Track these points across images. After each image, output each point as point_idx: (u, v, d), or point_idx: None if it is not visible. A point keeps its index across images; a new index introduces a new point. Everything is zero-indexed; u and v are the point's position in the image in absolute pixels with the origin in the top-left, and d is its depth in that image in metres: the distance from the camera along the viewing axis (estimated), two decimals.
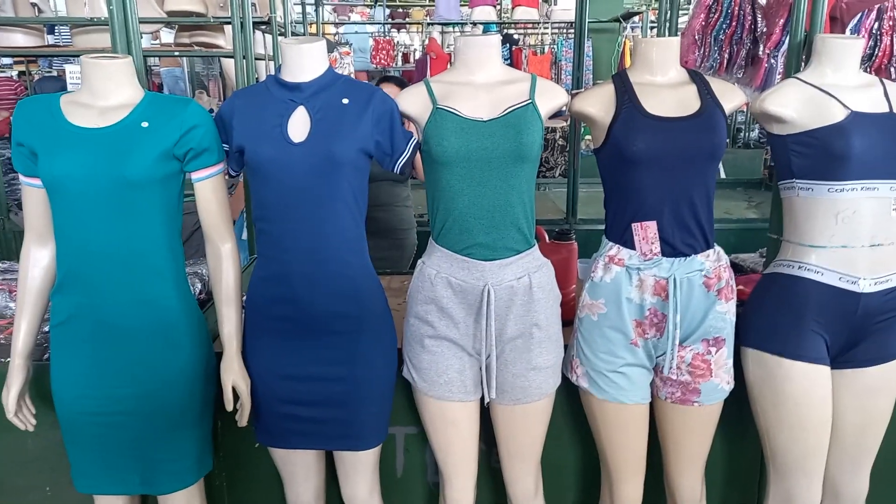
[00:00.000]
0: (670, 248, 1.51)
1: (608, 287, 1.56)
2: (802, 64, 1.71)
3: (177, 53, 3.89)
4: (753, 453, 1.86)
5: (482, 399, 1.60)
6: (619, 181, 1.54)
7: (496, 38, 1.55)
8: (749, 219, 3.72)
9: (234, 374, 1.53)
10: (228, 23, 3.21)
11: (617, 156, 1.51)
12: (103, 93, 1.43)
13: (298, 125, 1.46)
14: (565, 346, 1.66)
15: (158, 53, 4.66)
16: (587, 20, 3.58)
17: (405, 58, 9.17)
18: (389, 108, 1.52)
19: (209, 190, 1.50)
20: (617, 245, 1.56)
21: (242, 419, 1.55)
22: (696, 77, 1.57)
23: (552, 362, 1.59)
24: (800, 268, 1.55)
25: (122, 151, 1.38)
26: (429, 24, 8.54)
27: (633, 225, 1.52)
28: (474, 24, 7.44)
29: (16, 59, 7.37)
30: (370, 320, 1.56)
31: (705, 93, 1.53)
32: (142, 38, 3.79)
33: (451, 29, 8.52)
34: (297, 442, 1.60)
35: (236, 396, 1.54)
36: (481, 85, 1.53)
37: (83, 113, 1.41)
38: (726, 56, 2.44)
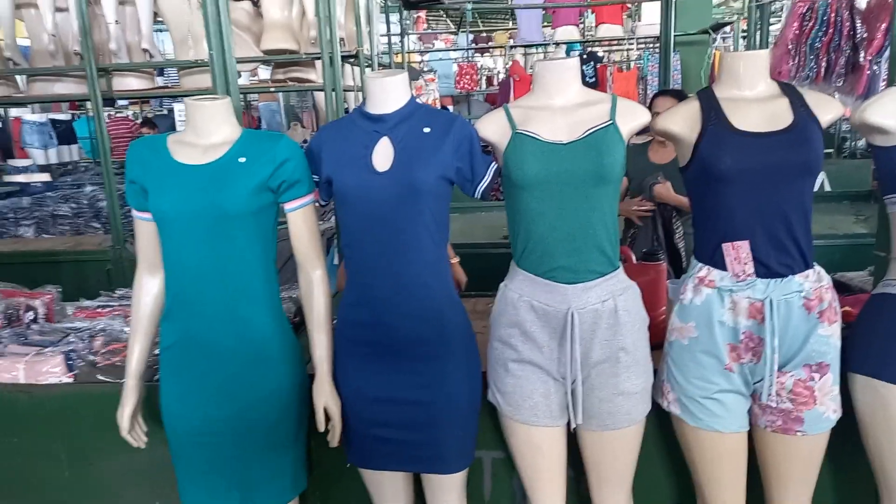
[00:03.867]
0: (765, 269, 1.45)
1: (699, 310, 1.50)
2: None
3: (273, 89, 4.11)
4: (866, 486, 1.72)
5: (569, 424, 1.58)
6: (707, 200, 1.49)
7: (574, 62, 1.55)
8: (856, 234, 3.48)
9: (325, 396, 1.58)
10: (319, 58, 3.36)
11: (704, 174, 1.46)
12: (205, 132, 1.53)
13: (383, 155, 1.51)
14: (655, 371, 1.62)
15: (256, 90, 4.93)
16: (673, 33, 3.51)
17: (489, 81, 9.28)
18: (469, 135, 1.54)
19: (301, 219, 1.58)
20: (707, 266, 1.51)
21: (334, 439, 1.60)
22: (788, 90, 1.50)
23: (641, 387, 1.54)
24: None
25: (222, 186, 1.47)
26: (511, 46, 8.61)
27: (723, 245, 1.46)
28: (557, 44, 7.44)
29: (131, 100, 8.03)
30: (452, 344, 1.57)
31: (798, 105, 1.46)
32: (240, 76, 4.04)
33: (534, 50, 8.55)
34: (385, 463, 1.63)
35: (328, 418, 1.59)
36: (560, 108, 1.53)
37: (188, 151, 1.53)
38: (824, 65, 2.33)
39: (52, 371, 1.86)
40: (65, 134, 7.81)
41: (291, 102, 7.95)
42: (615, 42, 7.82)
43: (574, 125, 1.49)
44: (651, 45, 7.40)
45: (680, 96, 2.91)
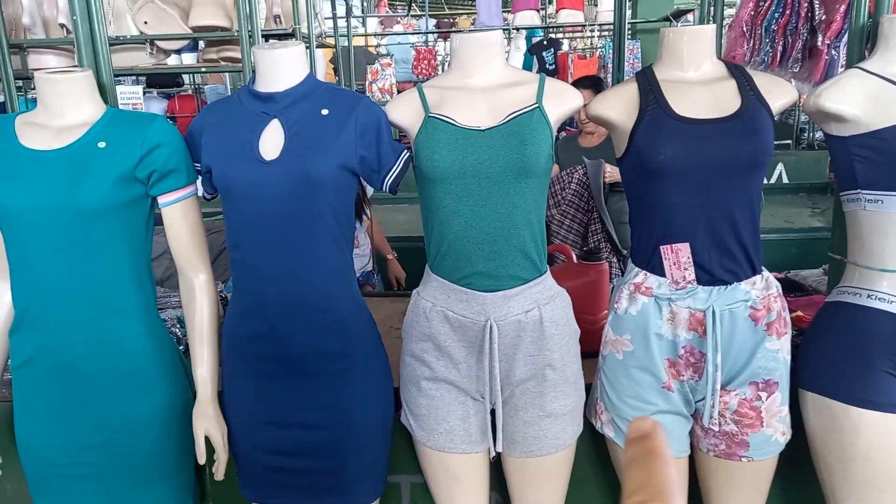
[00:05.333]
0: (707, 275, 1.27)
1: (634, 321, 1.33)
2: (866, 53, 1.45)
3: (203, 70, 3.82)
4: None
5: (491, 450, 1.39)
6: (644, 196, 1.31)
7: (497, 35, 1.34)
8: (813, 227, 3.38)
9: (207, 421, 1.37)
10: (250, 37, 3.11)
11: (641, 167, 1.28)
12: (58, 111, 1.29)
13: (271, 141, 1.29)
14: (588, 386, 1.44)
15: (176, 71, 4.59)
16: (631, 21, 3.34)
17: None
18: (376, 118, 1.33)
19: (178, 215, 1.35)
20: (643, 271, 1.33)
21: (218, 472, 1.38)
22: (736, 71, 1.32)
23: (570, 408, 1.36)
24: (869, 296, 1.28)
25: (75, 176, 1.24)
26: (471, 31, 8.38)
27: (661, 248, 1.28)
28: (517, 29, 7.24)
29: None
30: (359, 358, 1.37)
31: (747, 89, 1.28)
32: (169, 54, 3.75)
33: None
34: (283, 497, 1.42)
35: (212, 446, 1.38)
36: (480, 89, 1.32)
37: (38, 134, 1.28)
38: (780, 49, 2.16)
39: None
40: None
41: (239, 85, 7.60)
42: (577, 28, 7.65)
43: (496, 109, 1.29)
44: (611, 33, 7.26)
45: (598, 85, 2.78)
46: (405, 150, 1.36)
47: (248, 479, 1.43)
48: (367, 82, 7.31)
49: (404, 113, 1.34)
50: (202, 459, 1.37)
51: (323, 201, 1.29)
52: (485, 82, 1.33)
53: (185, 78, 7.54)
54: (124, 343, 1.32)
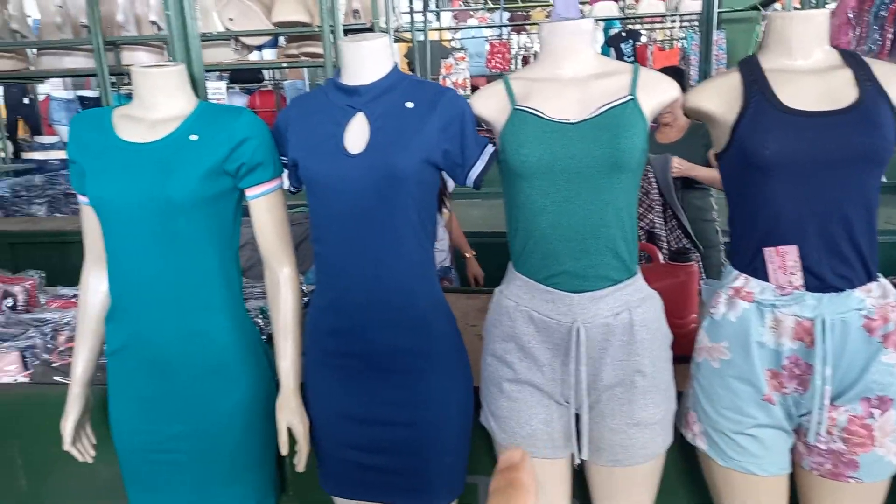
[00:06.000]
0: (817, 281, 1.18)
1: (733, 327, 1.24)
2: None
3: (285, 65, 3.89)
4: None
5: (574, 456, 1.34)
6: (747, 194, 1.22)
7: (588, 24, 1.28)
8: None
9: (290, 413, 1.37)
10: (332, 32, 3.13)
11: (744, 162, 1.19)
12: (151, 104, 1.32)
13: (357, 135, 1.28)
14: (680, 394, 1.36)
15: (258, 66, 4.68)
16: (716, 9, 3.18)
17: (525, 60, 8.93)
18: (460, 111, 1.30)
19: (264, 209, 1.36)
20: (744, 275, 1.24)
21: (300, 464, 1.39)
22: (851, 60, 1.21)
23: (660, 417, 1.29)
24: None
25: (166, 169, 1.26)
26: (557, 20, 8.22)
27: (765, 250, 1.19)
28: (595, 20, 7.07)
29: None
30: (440, 356, 1.34)
31: (864, 79, 1.17)
32: (251, 50, 3.84)
33: None
34: (362, 492, 1.41)
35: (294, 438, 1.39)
36: (570, 80, 1.27)
37: (133, 127, 1.31)
38: (890, 37, 2.00)
39: (6, 370, 1.69)
40: None
41: (318, 81, 7.75)
42: (657, 19, 7.40)
43: (586, 100, 1.23)
44: (695, 23, 6.97)
45: (681, 76, 2.64)
46: (489, 144, 1.33)
47: (328, 473, 1.43)
48: (440, 76, 7.30)
49: (489, 106, 1.30)
50: (285, 451, 1.38)
51: (406, 196, 1.26)
52: (575, 73, 1.27)
53: (266, 73, 7.75)
54: (211, 335, 1.34)
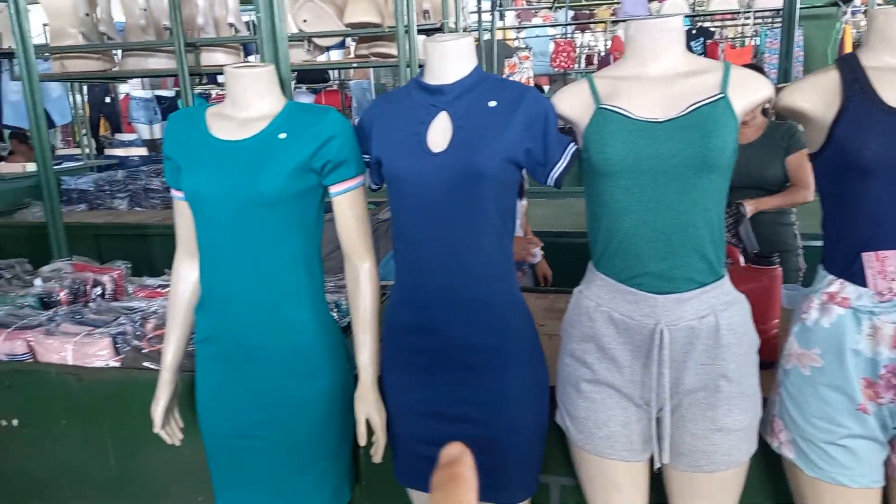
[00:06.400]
0: None
1: (826, 334, 1.20)
2: None
3: (356, 65, 3.96)
4: None
5: (653, 459, 1.32)
6: (845, 196, 1.17)
7: (677, 21, 1.26)
8: None
9: (368, 406, 1.40)
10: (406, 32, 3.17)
11: (843, 163, 1.15)
12: (243, 103, 1.37)
13: (440, 133, 1.29)
14: (765, 401, 1.33)
15: (331, 66, 4.75)
16: (798, 4, 3.07)
17: (588, 59, 8.81)
18: (543, 110, 1.29)
19: (347, 205, 1.39)
20: (840, 280, 1.19)
21: (377, 455, 1.42)
22: None
23: (745, 423, 1.26)
24: None
25: (257, 165, 1.31)
26: (614, 22, 8.10)
27: (863, 255, 1.15)
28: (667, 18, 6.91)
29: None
30: (516, 355, 1.34)
31: None
32: (324, 51, 3.92)
33: None
34: None
35: (372, 430, 1.41)
36: (657, 78, 1.25)
37: (225, 125, 1.37)
38: None
39: (98, 354, 1.78)
40: (170, 110, 8.08)
41: (382, 80, 7.85)
42: (729, 16, 7.18)
43: (674, 99, 1.21)
44: (770, 20, 6.74)
45: (761, 73, 2.55)
46: (572, 143, 1.32)
47: (403, 466, 1.45)
48: (504, 76, 7.29)
49: (572, 105, 1.29)
50: (363, 441, 1.41)
51: (487, 194, 1.27)
52: (662, 71, 1.25)
53: (332, 74, 7.89)
54: (294, 327, 1.38)
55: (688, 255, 1.20)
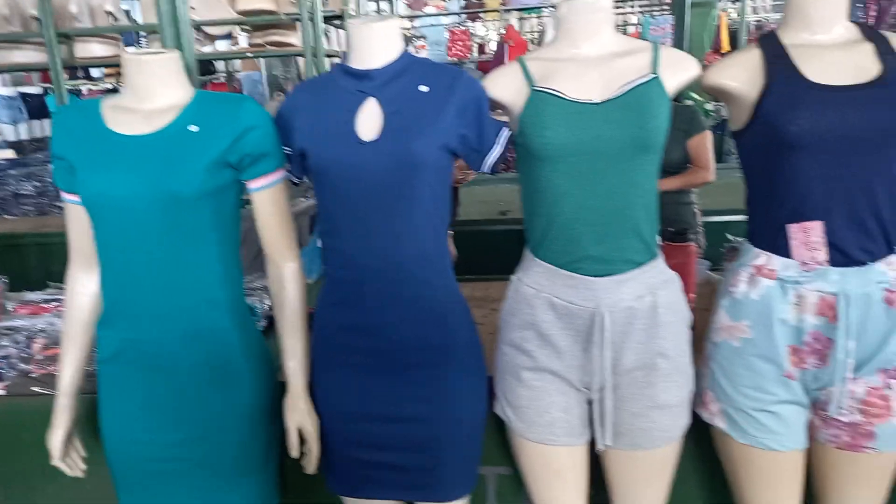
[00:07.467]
0: (841, 255, 1.18)
1: (755, 305, 1.24)
2: None
3: (251, 55, 3.76)
4: None
5: (592, 442, 1.32)
6: (771, 172, 1.21)
7: (607, 2, 1.25)
8: None
9: (299, 414, 1.32)
10: (299, 19, 3.04)
11: (770, 139, 1.18)
12: (147, 93, 1.23)
13: (369, 120, 1.22)
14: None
15: (228, 56, 4.51)
16: None
17: (481, 48, 8.89)
18: (476, 94, 1.25)
19: (268, 201, 1.29)
20: (766, 253, 1.24)
21: (310, 465, 1.33)
22: (871, 33, 1.21)
23: (681, 399, 1.29)
24: None
25: (167, 162, 1.18)
26: (505, 10, 8.20)
27: (789, 226, 1.19)
28: (554, 7, 7.08)
29: (107, 72, 7.59)
30: (458, 350, 1.31)
31: (886, 52, 1.17)
32: (213, 40, 3.70)
33: (528, 15, 8.17)
34: (373, 491, 1.37)
35: (304, 439, 1.33)
36: (590, 59, 1.24)
37: (126, 118, 1.23)
38: (873, 14, 2.04)
39: None
40: (36, 108, 7.41)
41: (275, 72, 7.54)
42: (614, 4, 7.47)
43: (608, 80, 1.20)
44: (651, 8, 7.05)
45: None
46: (504, 128, 1.29)
47: (337, 474, 1.38)
48: None
49: (505, 88, 1.26)
50: (295, 453, 1.32)
51: (423, 184, 1.22)
52: (595, 51, 1.24)
53: (218, 65, 7.51)
54: (214, 336, 1.27)
55: (625, 236, 1.20)
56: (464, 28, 7.82)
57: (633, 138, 1.15)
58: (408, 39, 7.48)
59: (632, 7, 7.03)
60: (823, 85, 1.15)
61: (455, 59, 7.76)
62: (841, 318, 1.17)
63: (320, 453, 1.35)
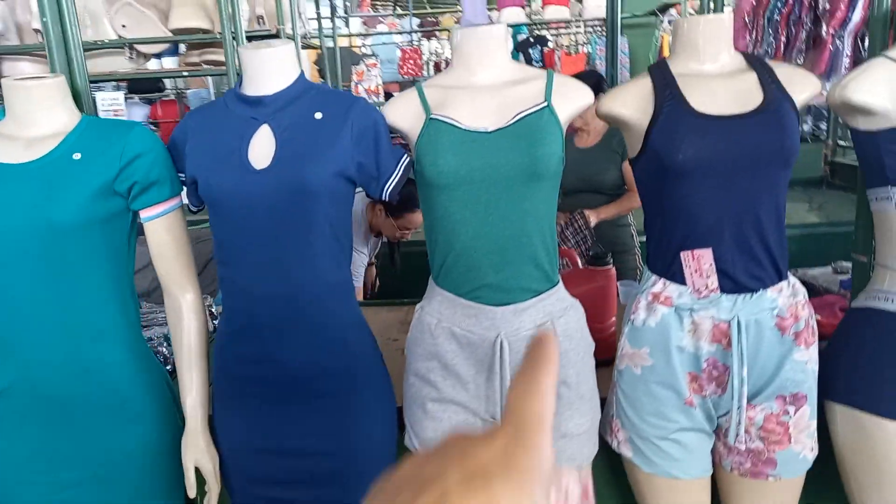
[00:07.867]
0: (731, 282, 1.19)
1: (653, 333, 1.24)
2: (891, 40, 1.37)
3: (186, 74, 3.69)
4: None
5: None
6: (662, 199, 1.22)
7: (500, 28, 1.25)
8: (811, 223, 3.31)
9: (197, 452, 1.27)
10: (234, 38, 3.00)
11: (658, 167, 1.19)
12: (28, 120, 1.19)
13: (261, 148, 1.19)
14: (603, 401, 1.36)
15: (157, 75, 4.32)
16: (620, 15, 3.26)
17: (437, 66, 8.93)
18: (373, 121, 1.24)
19: (163, 230, 1.25)
20: (662, 279, 1.24)
21: None
22: (755, 63, 1.24)
23: (586, 427, 1.28)
24: None
25: (48, 190, 1.13)
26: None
27: (682, 254, 1.20)
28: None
29: None
30: (362, 379, 1.28)
31: (769, 81, 1.20)
32: (148, 58, 3.62)
33: None
34: None
35: (202, 477, 1.28)
36: (485, 87, 1.23)
37: (7, 146, 1.18)
38: (783, 40, 2.10)
39: None
40: None
41: (223, 89, 7.45)
42: (562, 25, 7.57)
43: (502, 108, 1.20)
44: (599, 28, 7.19)
45: (600, 81, 2.70)
46: (405, 156, 1.27)
47: None
48: (352, 83, 7.19)
49: (403, 115, 1.25)
50: (192, 493, 1.27)
51: (319, 212, 1.19)
52: (489, 80, 1.24)
53: (168, 82, 7.39)
54: (108, 370, 1.22)
55: (523, 264, 1.20)
56: (415, 47, 7.84)
57: (524, 166, 1.15)
58: (359, 57, 7.46)
59: (578, 28, 7.15)
60: (707, 114, 1.17)
61: (408, 76, 7.78)
62: (734, 345, 1.18)
63: (225, 492, 1.30)
